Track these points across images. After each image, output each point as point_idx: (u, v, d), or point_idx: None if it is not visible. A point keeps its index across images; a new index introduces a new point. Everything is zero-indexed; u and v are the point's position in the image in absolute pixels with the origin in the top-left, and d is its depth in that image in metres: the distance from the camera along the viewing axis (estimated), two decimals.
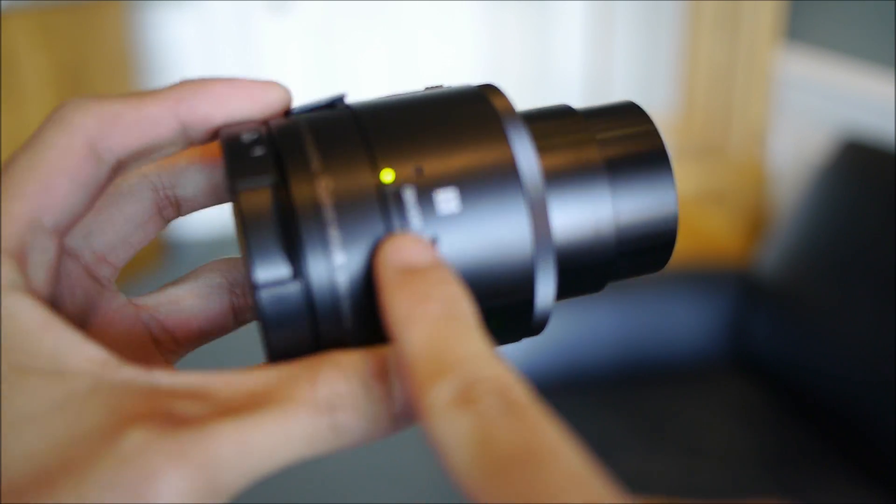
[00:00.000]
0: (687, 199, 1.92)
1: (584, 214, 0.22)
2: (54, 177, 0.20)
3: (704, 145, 1.93)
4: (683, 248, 1.74)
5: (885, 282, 1.18)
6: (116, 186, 0.24)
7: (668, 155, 0.24)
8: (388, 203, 0.20)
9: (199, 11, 2.44)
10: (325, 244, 0.20)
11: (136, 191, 0.24)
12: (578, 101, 2.55)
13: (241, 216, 0.20)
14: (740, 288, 1.44)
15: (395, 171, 0.21)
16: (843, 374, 1.22)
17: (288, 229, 0.20)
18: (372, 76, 2.65)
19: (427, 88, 0.24)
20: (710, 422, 1.25)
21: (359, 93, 2.66)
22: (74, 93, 1.99)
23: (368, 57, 2.64)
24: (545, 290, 0.22)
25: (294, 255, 0.20)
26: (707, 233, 1.79)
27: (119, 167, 0.22)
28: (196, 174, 0.25)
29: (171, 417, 0.18)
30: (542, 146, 0.22)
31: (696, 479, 1.14)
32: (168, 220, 0.25)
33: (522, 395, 0.17)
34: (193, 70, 2.49)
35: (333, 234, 0.20)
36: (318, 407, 0.19)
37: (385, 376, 0.19)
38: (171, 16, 2.42)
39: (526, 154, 0.22)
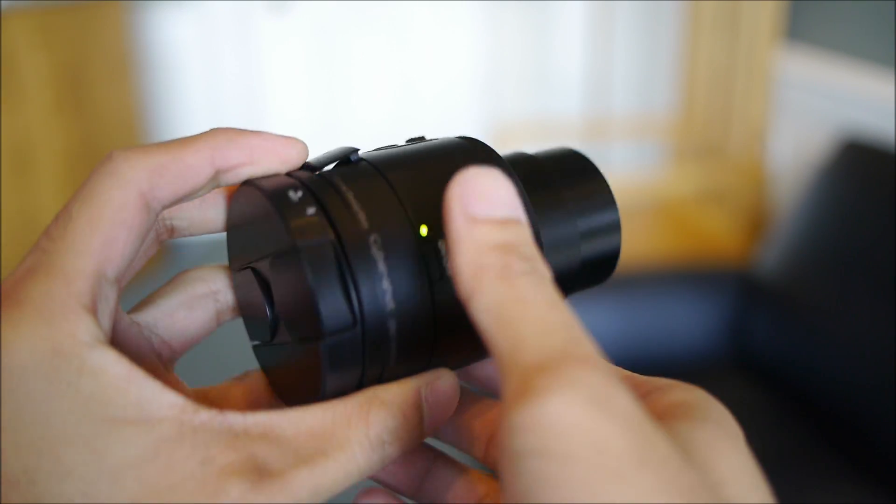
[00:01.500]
0: (687, 199, 1.91)
1: (562, 240, 0.28)
2: (114, 231, 0.22)
3: (704, 145, 1.93)
4: (683, 248, 1.74)
5: (886, 282, 1.18)
6: None
7: (615, 200, 0.29)
8: (427, 254, 0.24)
9: (199, 11, 2.44)
10: (379, 295, 0.23)
11: None
12: (578, 101, 2.55)
13: (308, 270, 0.22)
14: (740, 288, 1.44)
15: (428, 226, 0.24)
16: (843, 373, 1.22)
17: (345, 281, 0.23)
18: (372, 76, 2.65)
19: (409, 141, 0.28)
20: None
21: (358, 93, 2.65)
22: (74, 93, 1.99)
23: (368, 57, 2.64)
24: None
25: (352, 304, 0.23)
26: (707, 233, 1.79)
27: (161, 211, 0.24)
28: (192, 210, 0.27)
29: (257, 468, 0.21)
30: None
31: None
32: (161, 243, 0.28)
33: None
34: (193, 70, 2.49)
35: (386, 286, 0.23)
36: (373, 446, 0.23)
37: (419, 405, 0.24)
38: (171, 16, 2.42)
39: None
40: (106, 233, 0.22)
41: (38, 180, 1.89)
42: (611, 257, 0.29)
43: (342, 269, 0.23)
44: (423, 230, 0.24)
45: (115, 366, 0.21)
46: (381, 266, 0.23)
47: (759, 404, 1.29)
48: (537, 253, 0.21)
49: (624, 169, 2.45)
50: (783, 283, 1.36)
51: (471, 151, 0.27)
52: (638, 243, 1.80)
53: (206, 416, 0.21)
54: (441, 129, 2.71)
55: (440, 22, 2.63)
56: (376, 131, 2.68)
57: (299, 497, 0.21)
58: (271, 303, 0.25)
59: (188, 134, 0.25)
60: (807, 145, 1.62)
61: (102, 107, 2.11)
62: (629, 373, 0.25)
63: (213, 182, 0.25)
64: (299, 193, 0.24)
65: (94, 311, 0.22)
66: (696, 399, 0.22)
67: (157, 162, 0.23)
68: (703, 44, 1.90)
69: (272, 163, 0.25)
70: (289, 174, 0.25)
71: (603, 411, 0.17)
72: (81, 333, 0.21)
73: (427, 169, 0.26)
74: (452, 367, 0.26)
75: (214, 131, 0.25)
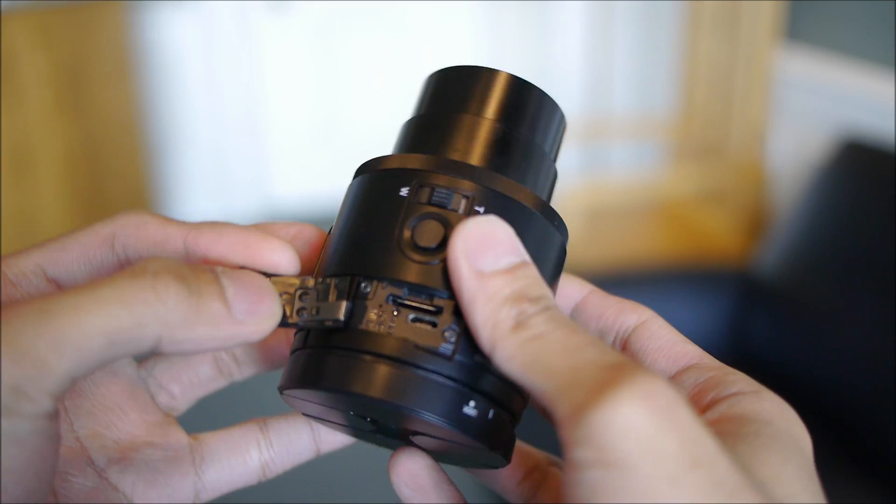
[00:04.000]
0: (687, 199, 1.91)
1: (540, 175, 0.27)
2: (70, 245, 0.25)
3: (704, 145, 1.93)
4: (683, 248, 1.74)
5: (886, 282, 1.18)
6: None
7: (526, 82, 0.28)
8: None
9: (199, 11, 2.44)
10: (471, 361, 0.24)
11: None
12: (578, 101, 2.55)
13: (427, 413, 0.23)
14: (740, 288, 1.44)
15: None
16: (843, 373, 1.22)
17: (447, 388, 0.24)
18: (372, 76, 2.65)
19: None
20: None
21: (358, 93, 2.65)
22: (74, 93, 1.99)
23: (368, 57, 2.64)
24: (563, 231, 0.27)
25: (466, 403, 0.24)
26: (707, 233, 1.79)
27: (127, 262, 0.25)
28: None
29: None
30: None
31: None
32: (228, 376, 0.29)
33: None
34: (193, 70, 2.49)
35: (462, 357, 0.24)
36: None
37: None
38: (171, 16, 2.42)
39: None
40: (62, 243, 0.25)
41: (38, 180, 1.89)
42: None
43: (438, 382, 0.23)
44: None
45: None
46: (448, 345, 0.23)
47: None
48: (544, 288, 0.23)
49: (624, 169, 2.44)
50: (783, 283, 1.36)
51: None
52: (638, 243, 1.80)
53: None
54: None
55: (440, 22, 2.63)
56: (376, 132, 2.68)
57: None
58: (388, 429, 0.26)
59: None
60: (807, 145, 1.62)
61: (102, 107, 2.11)
62: (703, 356, 0.26)
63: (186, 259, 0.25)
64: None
65: (7, 279, 0.24)
66: (762, 411, 0.23)
67: (142, 220, 0.25)
68: (703, 44, 1.90)
69: (247, 262, 0.25)
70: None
71: (653, 412, 0.18)
72: None
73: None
74: None
75: (206, 223, 0.25)
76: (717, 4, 1.85)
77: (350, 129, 2.68)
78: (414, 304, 0.23)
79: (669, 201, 1.92)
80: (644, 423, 0.18)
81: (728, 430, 0.22)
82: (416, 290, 0.23)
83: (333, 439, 0.28)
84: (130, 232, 0.25)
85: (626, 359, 0.20)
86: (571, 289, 0.27)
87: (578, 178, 2.08)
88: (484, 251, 0.22)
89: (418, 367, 0.23)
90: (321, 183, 2.69)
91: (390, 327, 0.23)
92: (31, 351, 0.19)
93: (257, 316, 0.22)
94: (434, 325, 0.23)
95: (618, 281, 1.43)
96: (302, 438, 0.28)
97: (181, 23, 2.44)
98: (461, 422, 0.23)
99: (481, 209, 0.24)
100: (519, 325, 0.21)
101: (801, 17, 1.70)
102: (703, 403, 0.24)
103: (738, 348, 1.41)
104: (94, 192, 2.08)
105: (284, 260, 0.25)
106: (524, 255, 0.23)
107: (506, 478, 0.28)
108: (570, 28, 2.55)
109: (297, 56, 2.60)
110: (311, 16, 2.56)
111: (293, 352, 0.25)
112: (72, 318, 0.19)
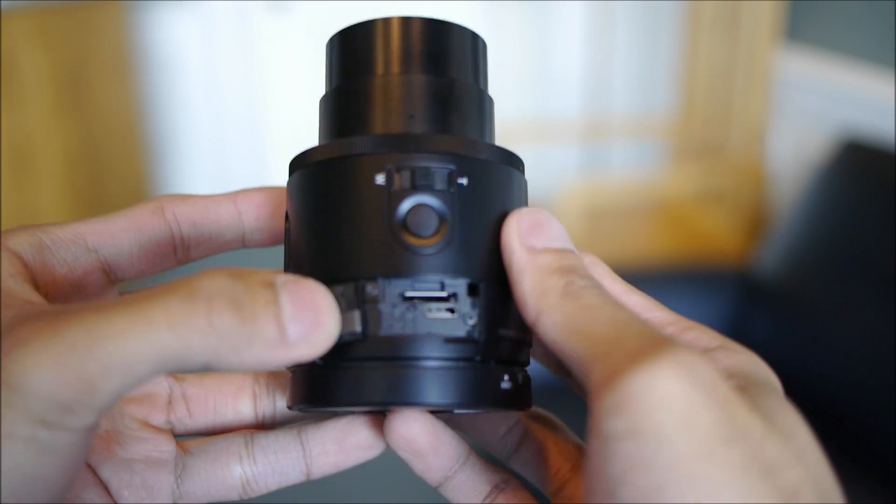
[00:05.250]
0: (687, 199, 1.91)
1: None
2: (116, 217, 0.25)
3: (704, 145, 1.93)
4: (683, 248, 1.74)
5: (886, 282, 1.18)
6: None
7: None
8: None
9: (199, 11, 2.44)
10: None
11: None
12: (578, 101, 2.54)
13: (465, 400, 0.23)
14: (740, 288, 1.44)
15: None
16: (843, 374, 1.22)
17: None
18: None
19: None
20: None
21: None
22: (74, 93, 1.99)
23: None
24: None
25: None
26: (707, 233, 1.79)
27: (184, 240, 0.26)
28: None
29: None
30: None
31: None
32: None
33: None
34: (193, 70, 2.49)
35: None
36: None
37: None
38: (171, 16, 2.42)
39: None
40: (109, 218, 0.25)
41: (38, 180, 1.89)
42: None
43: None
44: None
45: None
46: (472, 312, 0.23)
47: None
48: (593, 276, 0.23)
49: (624, 169, 2.44)
50: (783, 283, 1.36)
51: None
52: (638, 243, 1.80)
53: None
54: None
55: None
56: None
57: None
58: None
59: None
60: (807, 145, 1.62)
61: (102, 107, 2.11)
62: (652, 308, 0.25)
63: (240, 227, 0.27)
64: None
65: (37, 246, 0.23)
66: (738, 364, 0.24)
67: (187, 194, 0.26)
68: (703, 44, 1.90)
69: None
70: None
71: (692, 385, 0.18)
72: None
73: None
74: None
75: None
76: (717, 4, 1.85)
77: None
78: (428, 295, 0.22)
79: (669, 201, 1.92)
80: (682, 395, 0.18)
81: (735, 377, 0.22)
82: (425, 280, 0.22)
83: (326, 463, 0.27)
84: (179, 202, 0.26)
85: (671, 337, 0.20)
86: None
87: (578, 178, 2.08)
88: (536, 233, 0.23)
89: (456, 360, 0.22)
90: None
91: (413, 326, 0.22)
92: (82, 373, 0.19)
93: (311, 339, 0.21)
94: (452, 311, 0.22)
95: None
96: (289, 458, 0.27)
97: (181, 23, 2.44)
98: (503, 399, 0.23)
99: (464, 181, 0.23)
100: (568, 293, 0.22)
101: (801, 17, 1.69)
102: None
103: None
104: (94, 192, 2.08)
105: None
106: (573, 248, 0.24)
107: (489, 431, 0.28)
108: (570, 28, 2.55)
109: (297, 56, 2.60)
110: (311, 16, 2.56)
111: (311, 366, 0.23)
112: (122, 342, 0.19)
